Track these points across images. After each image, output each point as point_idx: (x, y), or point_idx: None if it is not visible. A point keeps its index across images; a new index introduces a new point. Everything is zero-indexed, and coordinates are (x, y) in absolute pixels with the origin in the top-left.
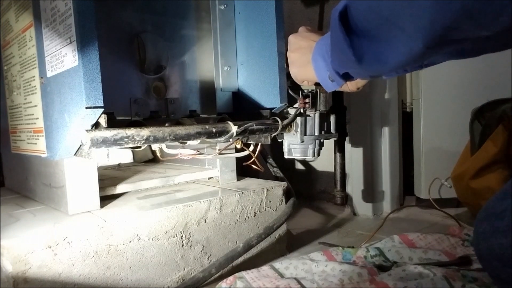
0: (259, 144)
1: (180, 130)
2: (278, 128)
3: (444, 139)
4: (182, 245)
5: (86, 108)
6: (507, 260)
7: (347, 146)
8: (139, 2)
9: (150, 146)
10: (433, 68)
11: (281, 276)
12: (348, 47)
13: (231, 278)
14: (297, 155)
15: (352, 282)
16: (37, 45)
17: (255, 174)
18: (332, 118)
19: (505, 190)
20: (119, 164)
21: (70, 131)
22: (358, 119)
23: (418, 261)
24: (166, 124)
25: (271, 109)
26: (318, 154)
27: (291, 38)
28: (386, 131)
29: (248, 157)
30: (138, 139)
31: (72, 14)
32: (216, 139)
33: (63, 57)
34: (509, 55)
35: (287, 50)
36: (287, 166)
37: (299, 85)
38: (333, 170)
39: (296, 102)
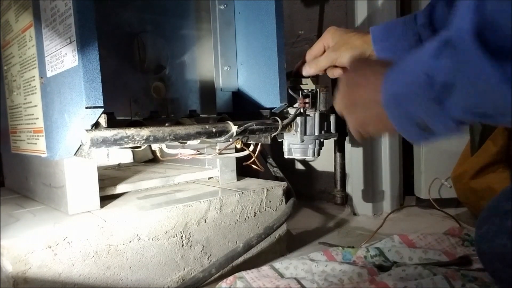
0: (259, 144)
1: (180, 130)
2: (278, 128)
3: (444, 139)
4: (182, 245)
5: (86, 108)
6: (509, 261)
7: (347, 146)
8: (139, 2)
9: (150, 146)
10: None
11: (281, 276)
12: (494, 72)
13: (231, 278)
14: (297, 155)
15: (352, 282)
16: (37, 45)
17: (255, 174)
18: (332, 118)
19: (508, 191)
20: (119, 164)
21: (70, 131)
22: None
23: (418, 261)
24: (166, 124)
25: (271, 109)
26: (318, 154)
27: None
28: None
29: (248, 157)
30: (138, 139)
31: (72, 14)
32: (216, 139)
33: (63, 57)
34: None
35: (285, 52)
36: (287, 166)
37: (299, 85)
38: (333, 170)
39: (296, 102)
